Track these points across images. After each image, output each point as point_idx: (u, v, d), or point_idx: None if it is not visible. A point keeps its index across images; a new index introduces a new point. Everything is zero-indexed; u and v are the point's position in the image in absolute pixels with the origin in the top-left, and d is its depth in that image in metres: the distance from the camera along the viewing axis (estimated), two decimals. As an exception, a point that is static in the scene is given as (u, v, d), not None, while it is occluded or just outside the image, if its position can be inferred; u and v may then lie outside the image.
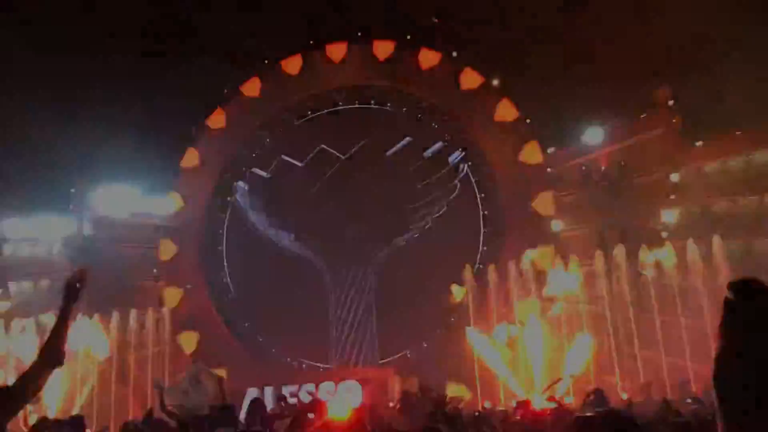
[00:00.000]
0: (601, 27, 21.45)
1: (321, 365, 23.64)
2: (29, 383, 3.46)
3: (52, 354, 3.48)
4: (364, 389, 19.43)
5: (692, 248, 18.70)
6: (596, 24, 22.09)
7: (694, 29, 19.41)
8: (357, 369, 22.89)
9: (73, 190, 24.96)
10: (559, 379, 14.58)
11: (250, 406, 6.47)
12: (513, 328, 20.37)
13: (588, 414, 2.21)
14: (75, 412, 16.57)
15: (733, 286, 1.69)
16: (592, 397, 7.84)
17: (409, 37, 24.67)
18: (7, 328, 22.78)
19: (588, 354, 18.01)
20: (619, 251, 19.72)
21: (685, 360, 16.96)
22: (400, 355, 23.27)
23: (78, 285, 3.64)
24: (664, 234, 20.96)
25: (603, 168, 22.48)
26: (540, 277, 20.90)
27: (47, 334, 3.56)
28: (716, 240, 18.27)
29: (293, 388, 21.09)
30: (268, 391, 20.11)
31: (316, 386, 20.92)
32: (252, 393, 20.75)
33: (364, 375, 21.29)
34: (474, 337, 19.97)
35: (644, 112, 22.65)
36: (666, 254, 19.15)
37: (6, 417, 3.38)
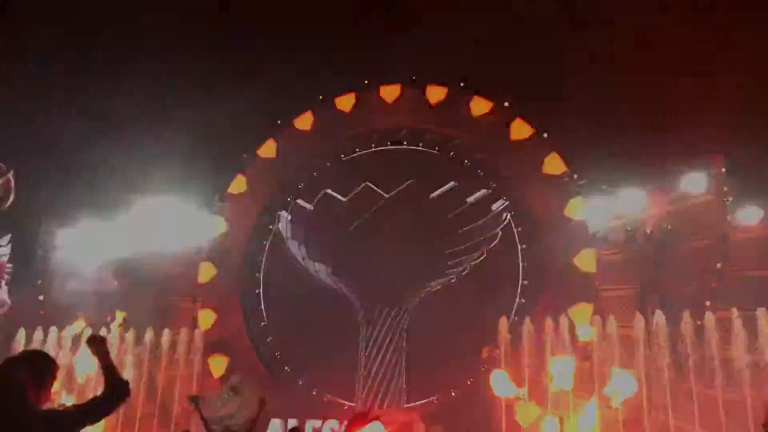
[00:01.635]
0: (655, 89, 21.38)
1: (345, 402, 23.48)
2: (90, 415, 3.59)
3: (119, 389, 3.64)
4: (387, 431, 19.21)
5: (736, 319, 18.24)
6: (651, 87, 22.04)
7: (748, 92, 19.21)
8: (381, 410, 22.68)
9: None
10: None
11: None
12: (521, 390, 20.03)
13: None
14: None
15: None
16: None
17: (462, 84, 24.92)
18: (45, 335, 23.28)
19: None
20: (659, 317, 19.32)
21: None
22: (426, 400, 22.97)
23: (101, 340, 3.86)
24: (707, 303, 20.41)
25: (649, 230, 22.13)
26: (578, 334, 20.53)
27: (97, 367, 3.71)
28: (762, 313, 17.81)
29: (317, 423, 21.03)
30: (292, 423, 20.06)
31: (340, 423, 20.83)
32: (275, 424, 20.82)
33: (389, 417, 21.05)
34: (499, 381, 19.66)
35: (693, 176, 22.27)
36: (707, 323, 18.70)
37: None
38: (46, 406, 3.60)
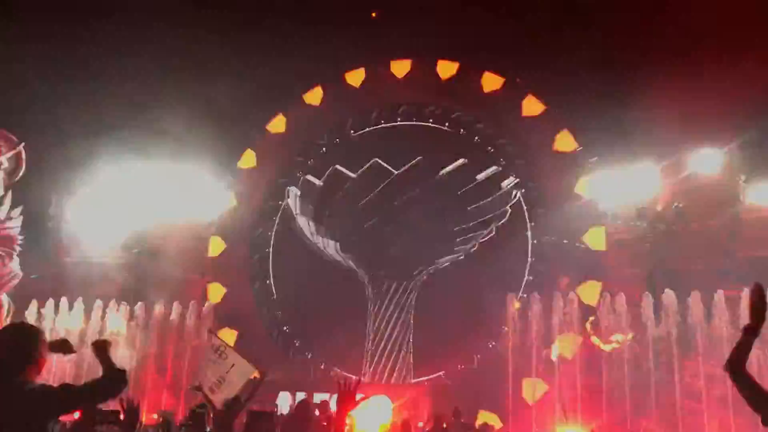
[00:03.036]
0: (666, 65, 21.09)
1: (354, 376, 23.63)
2: (82, 397, 3.62)
3: (116, 377, 3.67)
4: (394, 406, 19.39)
5: (745, 299, 18.17)
6: (662, 63, 21.74)
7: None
8: (389, 384, 22.87)
9: None
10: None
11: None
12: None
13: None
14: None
15: None
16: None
17: (473, 60, 24.68)
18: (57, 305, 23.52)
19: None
20: (668, 296, 19.30)
21: (728, 414, 16.43)
22: (434, 375, 23.10)
23: (108, 344, 3.91)
24: (717, 282, 20.33)
25: (660, 208, 22.00)
26: (585, 311, 20.55)
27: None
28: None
29: (324, 396, 21.18)
30: (300, 396, 20.23)
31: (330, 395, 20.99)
32: (284, 396, 21.01)
33: (396, 392, 21.23)
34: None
35: (706, 154, 22.04)
36: (717, 303, 18.67)
37: (50, 417, 3.51)
38: (40, 380, 3.61)
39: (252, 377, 7.05)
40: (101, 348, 3.88)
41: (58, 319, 23.30)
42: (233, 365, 7.10)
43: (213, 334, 8.30)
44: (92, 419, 5.76)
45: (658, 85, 20.96)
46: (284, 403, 20.48)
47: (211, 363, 7.28)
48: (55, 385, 3.53)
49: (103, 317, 23.41)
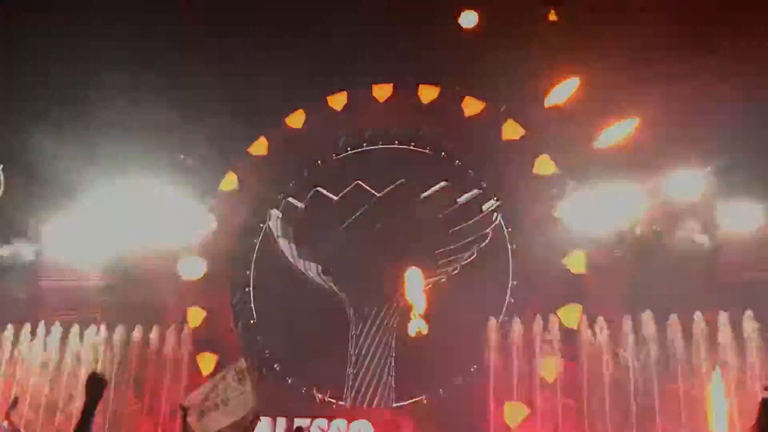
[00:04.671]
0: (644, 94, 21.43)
1: (335, 401, 23.47)
2: None
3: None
4: (375, 431, 19.27)
5: (723, 321, 18.40)
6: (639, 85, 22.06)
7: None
8: (371, 409, 22.73)
9: None
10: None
11: None
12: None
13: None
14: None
15: None
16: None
17: (457, 88, 24.94)
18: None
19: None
20: (647, 317, 19.46)
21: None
22: (415, 399, 22.99)
23: (103, 382, 3.72)
24: (695, 304, 20.54)
25: (638, 231, 22.20)
26: (565, 335, 20.62)
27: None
28: (748, 315, 17.98)
29: (305, 421, 21.04)
30: (281, 422, 20.06)
31: (329, 422, 20.90)
32: (264, 422, 20.80)
33: (377, 417, 21.11)
34: None
35: (684, 178, 22.29)
36: (696, 324, 18.86)
37: None
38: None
39: (250, 415, 6.81)
40: (97, 386, 3.70)
41: (33, 344, 22.97)
42: (243, 393, 6.84)
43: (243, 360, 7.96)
44: None
45: (633, 109, 21.31)
46: (265, 429, 20.28)
47: (223, 382, 7.00)
48: None
49: (80, 341, 23.10)
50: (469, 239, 24.02)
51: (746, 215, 21.68)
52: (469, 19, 22.23)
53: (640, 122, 20.53)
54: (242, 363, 7.45)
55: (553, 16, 22.45)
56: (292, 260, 25.07)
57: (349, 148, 26.05)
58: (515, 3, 23.57)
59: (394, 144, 25.74)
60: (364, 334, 23.99)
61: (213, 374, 22.81)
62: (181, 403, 7.33)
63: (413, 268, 20.72)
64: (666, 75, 20.16)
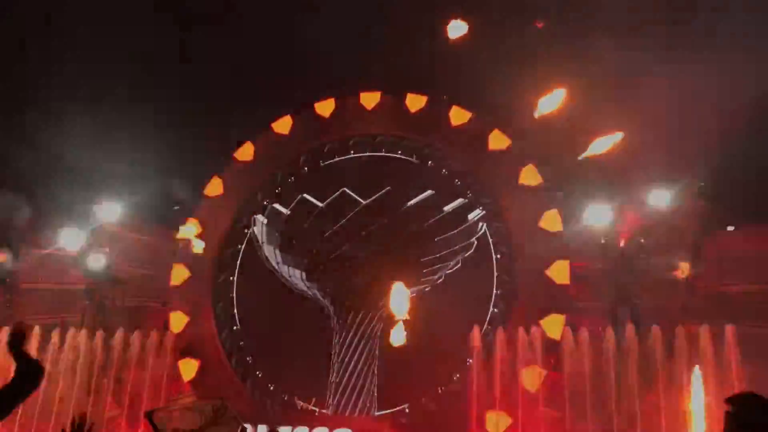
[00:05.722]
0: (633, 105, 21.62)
1: (317, 409, 23.36)
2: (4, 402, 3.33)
3: (29, 372, 3.38)
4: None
5: (704, 334, 18.52)
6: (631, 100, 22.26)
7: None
8: (353, 417, 22.64)
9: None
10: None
11: None
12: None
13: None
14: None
15: (733, 400, 1.71)
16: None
17: (444, 97, 25.05)
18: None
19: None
20: (630, 330, 19.54)
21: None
22: (398, 408, 22.93)
23: (23, 335, 3.61)
24: (676, 315, 20.69)
25: (622, 243, 22.35)
26: (549, 346, 20.66)
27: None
28: (729, 328, 18.12)
29: (286, 429, 20.93)
30: (262, 429, 19.94)
31: (310, 430, 20.81)
32: (245, 429, 20.62)
33: (359, 425, 21.03)
34: None
35: (668, 190, 22.50)
36: (678, 337, 18.96)
37: None
38: None
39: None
40: (16, 339, 3.56)
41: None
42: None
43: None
44: None
45: (616, 121, 21.49)
46: (245, 436, 20.10)
47: (198, 413, 6.57)
48: None
49: (60, 345, 22.82)
50: (454, 248, 24.06)
51: (728, 228, 21.95)
52: (456, 29, 22.31)
53: (625, 135, 20.65)
54: (230, 408, 6.86)
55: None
56: (276, 267, 24.98)
57: (335, 155, 26.04)
58: (503, 14, 23.84)
59: (381, 152, 25.77)
60: (347, 342, 23.91)
61: (193, 380, 22.74)
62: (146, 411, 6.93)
63: (398, 282, 20.69)
64: (651, 87, 20.41)
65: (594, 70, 21.87)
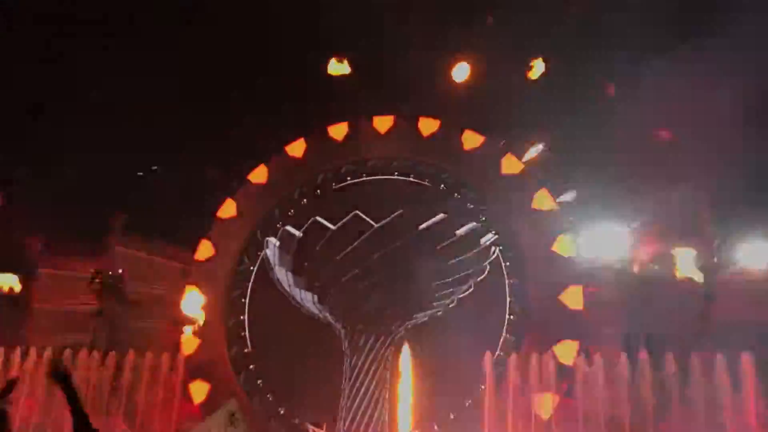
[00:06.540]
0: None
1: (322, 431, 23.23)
2: None
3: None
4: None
5: (720, 362, 18.29)
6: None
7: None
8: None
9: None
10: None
11: None
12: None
13: None
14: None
15: None
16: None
17: (459, 122, 25.17)
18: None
19: None
20: (643, 357, 19.34)
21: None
22: (408, 433, 22.73)
23: (66, 372, 3.57)
24: (691, 343, 20.48)
25: (636, 269, 22.22)
26: (562, 372, 20.47)
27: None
28: (745, 356, 17.90)
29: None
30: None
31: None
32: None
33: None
34: None
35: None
36: (691, 365, 18.74)
37: None
38: None
39: None
40: (63, 380, 3.49)
41: (23, 368, 22.66)
42: None
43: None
44: None
45: (632, 145, 21.48)
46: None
47: (216, 425, 6.83)
48: None
49: (72, 366, 22.82)
50: (467, 272, 23.96)
51: (747, 256, 21.75)
52: (462, 71, 22.78)
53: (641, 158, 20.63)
54: (233, 405, 7.22)
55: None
56: (288, 289, 24.95)
57: (348, 178, 26.12)
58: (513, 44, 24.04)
59: (393, 175, 25.84)
60: (358, 366, 23.78)
61: (204, 402, 22.66)
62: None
63: None
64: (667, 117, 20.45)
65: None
